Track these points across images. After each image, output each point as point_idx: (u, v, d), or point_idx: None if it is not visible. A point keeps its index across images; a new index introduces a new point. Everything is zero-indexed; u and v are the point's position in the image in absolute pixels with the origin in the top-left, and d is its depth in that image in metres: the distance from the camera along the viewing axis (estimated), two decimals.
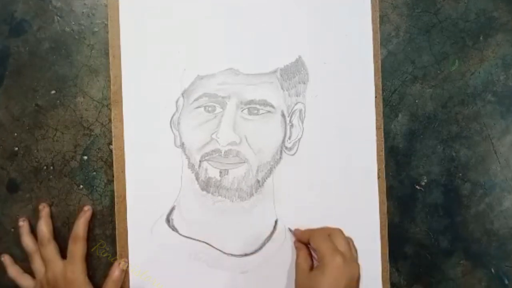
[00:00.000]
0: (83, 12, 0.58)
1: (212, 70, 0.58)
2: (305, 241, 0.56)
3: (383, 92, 0.62)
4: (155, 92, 0.57)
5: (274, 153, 0.59)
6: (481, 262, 0.65)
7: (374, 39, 0.61)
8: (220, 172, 0.58)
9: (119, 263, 0.55)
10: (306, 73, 0.60)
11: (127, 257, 0.56)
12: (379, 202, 0.61)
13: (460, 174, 0.64)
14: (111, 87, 0.56)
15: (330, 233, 0.54)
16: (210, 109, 0.58)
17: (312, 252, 0.56)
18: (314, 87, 0.60)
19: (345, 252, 0.52)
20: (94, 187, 0.58)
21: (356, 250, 0.56)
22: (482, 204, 0.65)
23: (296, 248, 0.57)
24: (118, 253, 0.56)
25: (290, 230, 0.59)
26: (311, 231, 0.57)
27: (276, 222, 0.60)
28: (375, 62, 0.61)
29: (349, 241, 0.55)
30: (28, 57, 0.57)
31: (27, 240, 0.55)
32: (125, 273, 0.56)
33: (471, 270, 0.65)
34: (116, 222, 0.56)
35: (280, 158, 0.59)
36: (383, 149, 0.61)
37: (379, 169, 0.61)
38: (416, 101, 0.63)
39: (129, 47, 0.56)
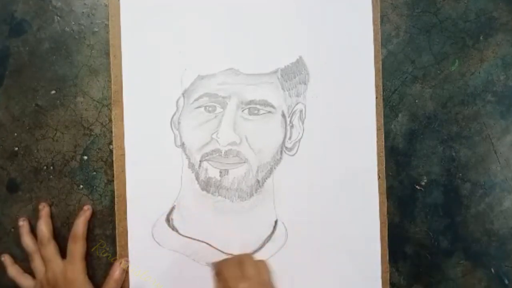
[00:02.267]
0: (83, 12, 0.58)
1: (212, 70, 0.58)
2: (218, 272, 0.55)
3: (383, 92, 0.62)
4: (156, 92, 0.57)
5: (274, 153, 0.59)
6: (481, 262, 0.65)
7: (375, 39, 0.61)
8: (220, 172, 0.58)
9: (120, 263, 0.55)
10: (306, 74, 0.60)
11: (127, 257, 0.56)
12: (379, 203, 0.61)
13: (460, 174, 0.64)
14: (112, 87, 0.56)
15: (239, 261, 0.53)
16: (210, 109, 0.58)
17: None
18: (315, 88, 0.60)
19: (253, 277, 0.51)
20: (94, 187, 0.58)
21: (268, 272, 0.54)
22: (482, 204, 0.65)
23: (215, 281, 0.55)
24: (118, 253, 0.56)
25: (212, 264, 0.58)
26: (222, 261, 0.56)
27: (276, 222, 0.60)
28: (376, 62, 0.61)
29: (260, 265, 0.54)
30: (28, 57, 0.57)
31: (27, 240, 0.55)
32: (126, 272, 0.56)
33: (471, 270, 0.65)
34: (116, 222, 0.56)
35: (280, 158, 0.59)
36: (383, 150, 0.61)
37: (379, 170, 0.61)
38: (416, 101, 0.63)
39: (130, 47, 0.56)
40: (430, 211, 0.64)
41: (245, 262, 0.53)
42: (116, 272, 0.55)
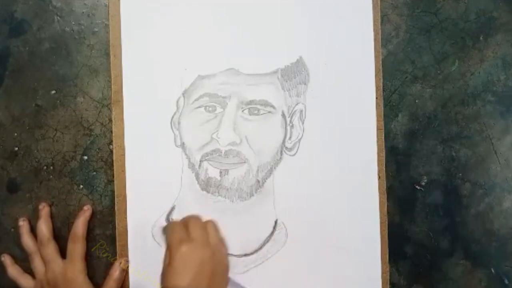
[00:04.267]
0: (83, 12, 0.58)
1: (213, 70, 0.58)
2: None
3: (383, 92, 0.62)
4: (156, 92, 0.57)
5: (274, 153, 0.59)
6: (481, 262, 0.65)
7: (375, 39, 0.61)
8: (220, 172, 0.58)
9: (120, 262, 0.55)
10: (307, 74, 0.60)
11: (127, 257, 0.56)
12: (379, 203, 0.61)
13: (460, 174, 0.64)
14: (112, 86, 0.56)
15: (184, 222, 0.53)
16: (210, 109, 0.58)
17: None
18: (315, 88, 0.60)
19: (196, 238, 0.51)
20: (94, 187, 0.58)
21: (216, 231, 0.53)
22: (482, 204, 0.65)
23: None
24: (118, 253, 0.56)
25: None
26: (166, 225, 0.55)
27: (276, 222, 0.60)
28: (376, 62, 0.61)
29: (206, 226, 0.53)
30: (28, 57, 0.57)
31: (27, 240, 0.55)
32: (125, 272, 0.56)
33: (471, 270, 0.65)
34: (116, 222, 0.57)
35: (280, 158, 0.59)
36: (384, 150, 0.61)
37: (379, 170, 0.61)
38: (416, 101, 0.63)
39: (130, 47, 0.56)
40: (430, 211, 0.64)
41: (190, 223, 0.52)
42: (116, 272, 0.55)
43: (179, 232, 0.51)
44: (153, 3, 0.57)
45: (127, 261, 0.56)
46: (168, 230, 0.53)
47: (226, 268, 0.54)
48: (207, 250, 0.51)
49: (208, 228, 0.53)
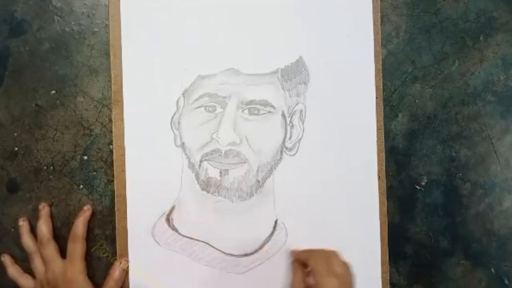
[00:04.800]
0: (83, 12, 0.58)
1: (213, 70, 0.58)
2: (302, 261, 0.55)
3: (383, 92, 0.62)
4: (156, 92, 0.57)
5: (274, 153, 0.59)
6: (481, 262, 0.65)
7: (375, 40, 0.61)
8: (220, 172, 0.58)
9: (120, 262, 0.55)
10: (307, 74, 0.60)
11: (127, 257, 0.56)
12: (379, 203, 0.61)
13: (460, 174, 0.64)
14: (112, 86, 0.57)
15: (328, 255, 0.54)
16: (210, 109, 0.58)
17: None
18: (315, 88, 0.60)
19: (341, 275, 0.51)
20: (94, 187, 0.58)
21: (351, 275, 0.54)
22: (482, 204, 0.65)
23: (293, 269, 0.56)
24: (118, 253, 0.56)
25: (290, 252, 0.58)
26: (309, 251, 0.56)
27: (276, 222, 0.60)
28: (376, 63, 0.61)
29: (347, 265, 0.54)
30: (28, 57, 0.57)
31: (27, 240, 0.55)
32: (125, 272, 0.56)
33: (471, 270, 0.65)
34: (116, 222, 0.57)
35: (280, 158, 0.59)
36: (384, 150, 0.61)
37: (379, 170, 0.61)
38: (416, 101, 0.63)
39: (130, 47, 0.56)
40: (430, 211, 0.64)
41: (334, 258, 0.53)
42: (116, 272, 0.55)
43: (323, 264, 0.52)
44: (153, 3, 0.57)
45: (127, 261, 0.56)
46: (311, 257, 0.53)
47: None
48: None
49: (348, 268, 0.53)
